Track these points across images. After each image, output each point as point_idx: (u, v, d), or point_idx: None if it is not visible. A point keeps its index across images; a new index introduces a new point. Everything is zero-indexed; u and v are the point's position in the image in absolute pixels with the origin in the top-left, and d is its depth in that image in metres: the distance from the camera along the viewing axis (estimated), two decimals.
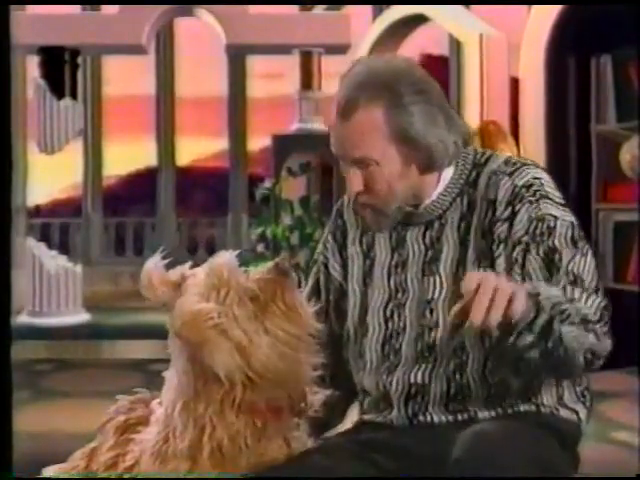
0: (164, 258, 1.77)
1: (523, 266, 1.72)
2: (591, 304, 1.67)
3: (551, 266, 1.70)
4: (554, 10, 5.32)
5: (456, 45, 9.47)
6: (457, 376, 1.77)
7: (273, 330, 1.68)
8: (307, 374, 1.75)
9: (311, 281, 2.02)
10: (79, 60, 7.49)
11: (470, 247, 1.79)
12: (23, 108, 8.73)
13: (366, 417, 1.91)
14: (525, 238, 1.73)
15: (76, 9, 10.54)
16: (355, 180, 1.80)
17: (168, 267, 1.77)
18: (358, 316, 1.91)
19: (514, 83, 5.51)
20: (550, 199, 1.77)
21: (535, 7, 5.51)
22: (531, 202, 1.75)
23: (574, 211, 1.84)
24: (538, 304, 1.56)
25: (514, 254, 1.73)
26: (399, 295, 1.86)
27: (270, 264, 1.73)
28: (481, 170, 1.84)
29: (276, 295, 1.70)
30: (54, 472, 1.93)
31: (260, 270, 1.73)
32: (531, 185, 1.77)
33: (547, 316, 1.56)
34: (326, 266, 1.99)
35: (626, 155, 5.12)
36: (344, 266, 1.96)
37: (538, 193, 1.76)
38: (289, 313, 1.70)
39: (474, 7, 6.77)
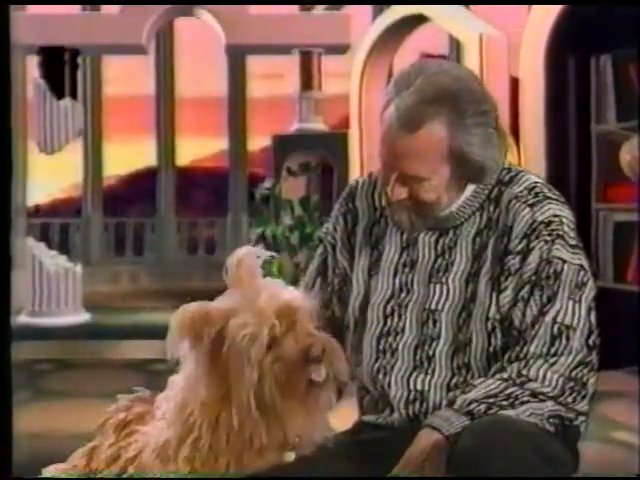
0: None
1: (524, 313, 1.74)
2: (550, 380, 1.70)
3: (542, 319, 1.73)
4: (554, 10, 5.31)
5: (456, 45, 9.47)
6: (458, 390, 1.76)
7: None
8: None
9: (317, 261, 2.00)
10: (79, 60, 7.49)
11: (485, 265, 1.79)
12: (23, 108, 8.73)
13: (366, 418, 1.91)
14: (533, 278, 1.75)
15: (76, 9, 10.54)
16: (399, 189, 1.79)
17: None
18: (359, 308, 1.90)
19: (514, 83, 5.51)
20: (565, 240, 1.77)
21: (535, 7, 5.50)
22: (546, 241, 1.76)
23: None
24: (470, 412, 1.67)
25: (521, 293, 1.75)
26: (402, 295, 1.86)
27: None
28: (504, 189, 1.83)
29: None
30: (54, 472, 1.93)
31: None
32: (550, 223, 1.77)
33: (484, 409, 1.67)
34: (334, 248, 1.98)
35: (626, 155, 5.12)
36: (351, 252, 1.95)
37: (555, 233, 1.76)
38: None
39: (474, 7, 6.76)
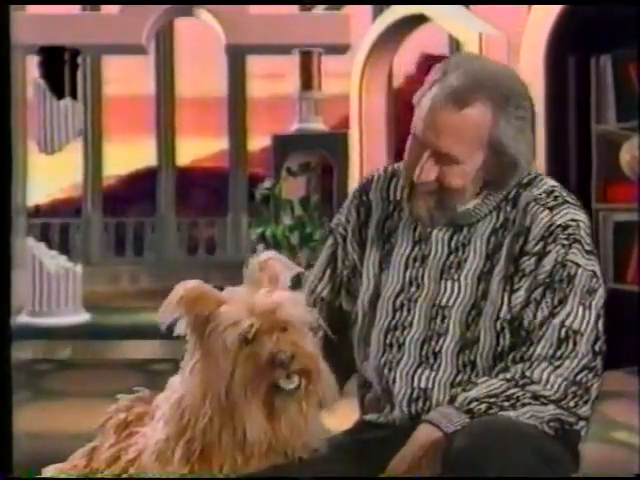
0: None
1: (535, 314, 1.75)
2: (553, 383, 1.70)
3: (550, 321, 1.73)
4: (554, 10, 5.32)
5: (456, 45, 9.47)
6: (460, 388, 1.76)
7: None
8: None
9: (327, 252, 1.99)
10: (79, 60, 7.49)
11: (499, 264, 1.79)
12: (23, 108, 8.73)
13: (367, 417, 1.91)
14: (547, 280, 1.75)
15: (76, 9, 10.55)
16: (430, 169, 1.78)
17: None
18: (369, 301, 1.90)
19: None
20: (581, 245, 1.78)
21: (535, 7, 5.50)
22: (563, 245, 1.76)
23: None
24: (471, 410, 1.68)
25: (534, 294, 1.76)
26: (412, 289, 1.85)
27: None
28: (522, 191, 1.83)
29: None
30: (54, 472, 1.93)
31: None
32: (567, 227, 1.78)
33: (484, 408, 1.68)
34: (344, 240, 1.97)
35: (626, 155, 5.12)
36: (362, 245, 1.94)
37: (572, 237, 1.77)
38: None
39: (474, 7, 6.77)
